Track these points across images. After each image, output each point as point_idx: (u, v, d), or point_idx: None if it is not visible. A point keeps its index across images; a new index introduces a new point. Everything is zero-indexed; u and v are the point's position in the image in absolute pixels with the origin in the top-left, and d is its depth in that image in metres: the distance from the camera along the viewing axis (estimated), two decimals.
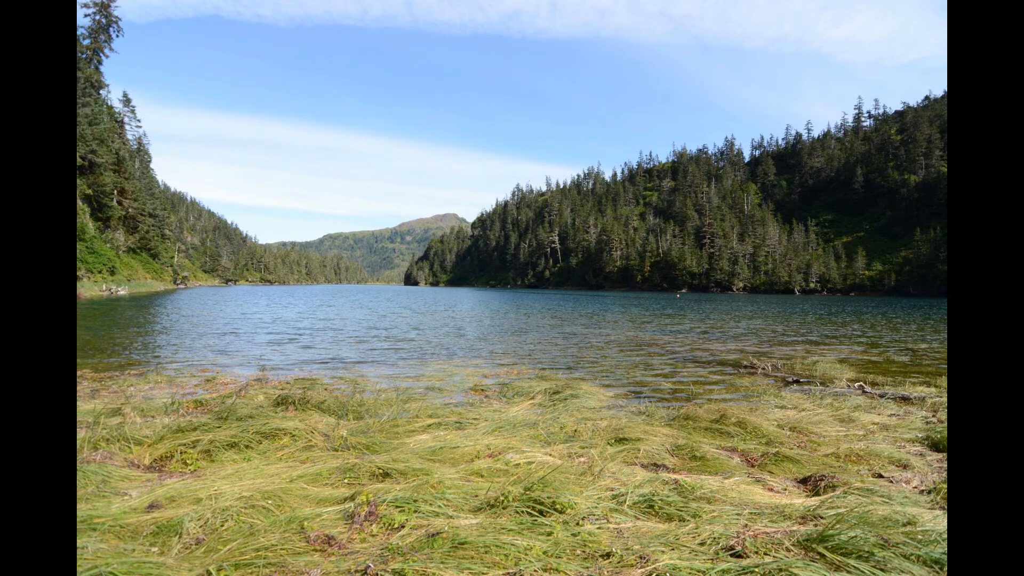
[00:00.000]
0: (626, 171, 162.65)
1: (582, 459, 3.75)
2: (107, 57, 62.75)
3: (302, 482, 3.24)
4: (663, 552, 2.30)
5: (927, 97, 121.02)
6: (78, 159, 50.66)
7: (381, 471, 3.40)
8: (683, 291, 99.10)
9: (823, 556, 2.25)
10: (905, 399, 6.20)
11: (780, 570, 2.11)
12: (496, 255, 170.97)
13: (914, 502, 3.05)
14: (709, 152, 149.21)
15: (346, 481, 3.30)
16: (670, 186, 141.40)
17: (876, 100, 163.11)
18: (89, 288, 38.50)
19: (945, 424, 5.00)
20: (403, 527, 2.58)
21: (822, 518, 2.69)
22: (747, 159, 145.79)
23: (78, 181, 51.40)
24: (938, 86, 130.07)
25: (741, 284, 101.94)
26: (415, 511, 2.74)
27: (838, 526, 2.43)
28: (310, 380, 7.05)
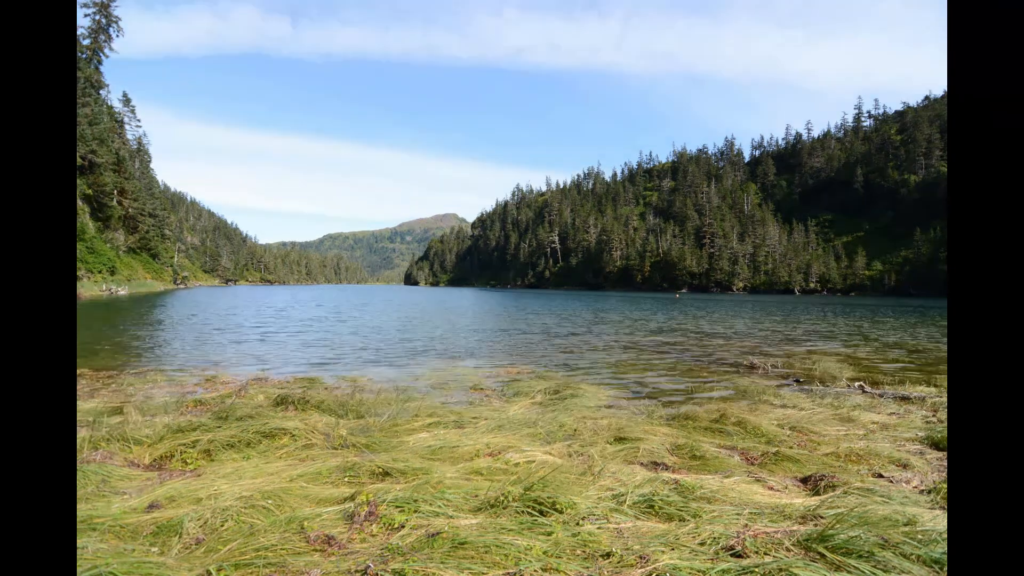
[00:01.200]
0: (626, 171, 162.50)
1: (582, 458, 3.75)
2: (107, 57, 62.92)
3: (302, 481, 3.24)
4: (663, 552, 2.30)
5: (927, 97, 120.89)
6: (78, 159, 50.63)
7: (381, 470, 3.40)
8: (683, 291, 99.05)
9: (823, 556, 2.25)
10: (905, 399, 6.20)
11: (780, 570, 2.11)
12: (496, 255, 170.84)
13: (914, 502, 3.05)
14: (709, 152, 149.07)
15: (346, 480, 3.29)
16: (670, 186, 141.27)
17: (876, 100, 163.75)
18: (89, 288, 38.51)
19: (945, 424, 5.00)
20: (403, 527, 2.58)
21: (822, 518, 2.69)
22: (747, 159, 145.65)
23: (78, 181, 51.36)
24: (938, 86, 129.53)
25: (741, 284, 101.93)
26: (415, 511, 2.73)
27: (838, 526, 2.43)
28: (310, 380, 7.05)
